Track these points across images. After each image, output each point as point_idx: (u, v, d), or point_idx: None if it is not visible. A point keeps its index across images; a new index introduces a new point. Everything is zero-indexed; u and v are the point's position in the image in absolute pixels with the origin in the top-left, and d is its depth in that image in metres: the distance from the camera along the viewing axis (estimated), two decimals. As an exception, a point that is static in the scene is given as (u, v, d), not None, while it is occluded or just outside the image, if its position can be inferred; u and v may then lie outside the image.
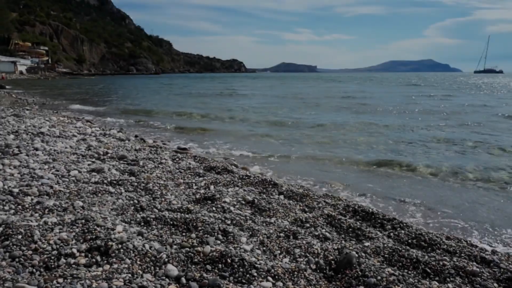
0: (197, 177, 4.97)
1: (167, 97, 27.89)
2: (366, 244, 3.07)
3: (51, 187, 3.90)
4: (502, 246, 3.99)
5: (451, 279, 2.64)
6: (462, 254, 3.04)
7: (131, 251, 2.61)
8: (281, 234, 3.18)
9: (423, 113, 16.89)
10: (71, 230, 2.88)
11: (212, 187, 4.44)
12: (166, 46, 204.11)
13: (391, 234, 3.41)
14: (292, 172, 6.93)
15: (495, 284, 2.61)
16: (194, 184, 4.54)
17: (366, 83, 57.50)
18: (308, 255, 2.83)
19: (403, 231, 3.43)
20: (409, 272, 2.72)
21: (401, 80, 75.28)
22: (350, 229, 3.44)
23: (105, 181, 4.32)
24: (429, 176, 6.87)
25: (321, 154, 8.58)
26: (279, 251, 2.90)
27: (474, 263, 2.88)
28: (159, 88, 40.69)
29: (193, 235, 3.02)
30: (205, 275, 2.46)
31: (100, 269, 2.44)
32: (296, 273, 2.56)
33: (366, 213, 3.92)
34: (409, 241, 3.26)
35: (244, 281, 2.45)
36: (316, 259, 2.78)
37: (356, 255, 2.75)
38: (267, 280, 2.45)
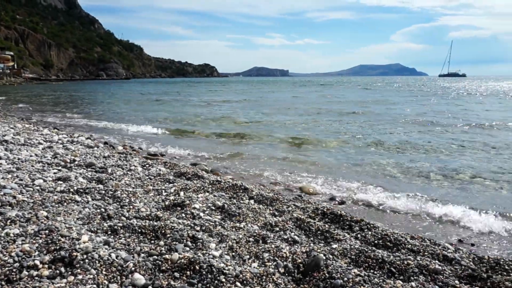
0: (167, 183, 4.93)
1: (141, 103, 27.51)
2: (334, 246, 3.13)
3: (14, 197, 3.78)
4: (465, 242, 4.15)
5: (415, 277, 2.72)
6: (426, 253, 3.14)
7: (97, 261, 2.56)
8: (251, 239, 3.19)
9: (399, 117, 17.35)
10: (34, 241, 2.80)
11: (182, 193, 4.42)
12: (137, 51, 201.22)
13: (359, 235, 3.49)
14: (263, 176, 6.97)
15: (457, 281, 2.71)
16: (163, 191, 4.50)
17: (339, 87, 58.55)
18: (277, 259, 2.86)
19: (370, 232, 3.51)
20: (375, 272, 2.78)
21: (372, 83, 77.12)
22: (319, 232, 3.49)
23: (71, 190, 4.22)
24: (398, 174, 7.06)
25: (293, 156, 8.68)
26: (248, 256, 2.91)
27: (437, 261, 2.98)
28: (129, 94, 40.10)
29: (162, 243, 2.99)
30: (172, 283, 2.44)
31: (64, 280, 2.39)
32: (264, 277, 2.58)
33: (334, 215, 3.99)
34: (376, 241, 3.34)
35: (212, 287, 2.45)
36: (285, 263, 2.81)
37: (324, 258, 2.80)
38: (236, 286, 2.46)
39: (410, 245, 3.24)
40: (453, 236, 4.46)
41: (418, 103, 25.67)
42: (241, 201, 4.26)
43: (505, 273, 2.92)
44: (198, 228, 3.31)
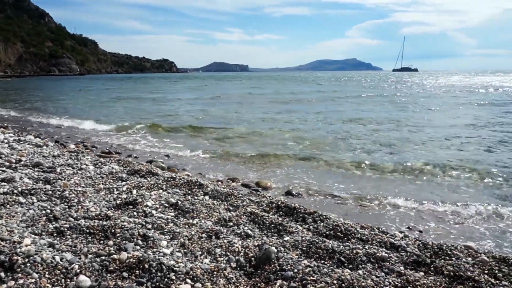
0: (120, 181, 4.80)
1: (98, 100, 26.59)
2: (286, 238, 3.16)
3: (-50, 201, 3.55)
4: (416, 230, 4.33)
5: (363, 265, 2.80)
6: (374, 241, 3.24)
7: (39, 265, 2.45)
8: (204, 235, 3.17)
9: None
10: (-29, 246, 2.64)
11: (134, 191, 4.31)
12: (91, 46, 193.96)
13: (311, 227, 3.55)
14: (220, 170, 6.95)
15: (402, 267, 2.82)
16: (115, 189, 4.37)
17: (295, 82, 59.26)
18: (229, 253, 2.85)
19: (322, 224, 3.58)
20: (326, 262, 2.84)
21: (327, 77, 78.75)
22: (272, 225, 3.52)
23: (15, 191, 4.00)
24: (351, 167, 7.25)
25: (250, 150, 8.70)
26: (200, 252, 2.88)
27: (384, 249, 3.09)
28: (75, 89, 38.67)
29: (111, 243, 2.91)
30: (120, 283, 2.38)
31: (4, 286, 2.27)
32: (215, 273, 2.57)
33: (288, 208, 4.04)
34: (327, 232, 3.41)
35: (162, 285, 2.40)
36: (237, 257, 2.81)
37: (275, 250, 2.82)
38: (186, 283, 2.43)
39: (359, 235, 3.34)
40: (403, 224, 4.64)
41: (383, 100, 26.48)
42: (196, 197, 4.22)
43: (447, 258, 3.07)
44: (149, 226, 3.24)
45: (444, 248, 3.19)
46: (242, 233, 3.26)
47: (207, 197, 4.30)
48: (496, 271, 2.86)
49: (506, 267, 2.94)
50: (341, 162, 7.63)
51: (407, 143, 9.72)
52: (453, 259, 3.04)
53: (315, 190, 5.86)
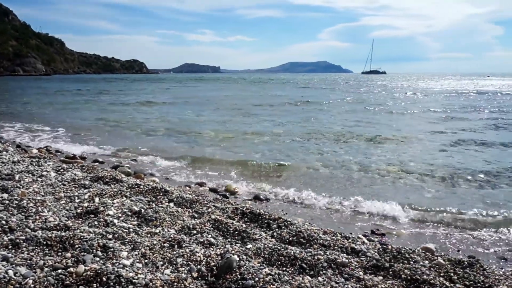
0: (82, 189, 4.67)
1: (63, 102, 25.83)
2: (249, 246, 3.17)
3: None
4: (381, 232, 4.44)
5: (324, 272, 2.84)
6: (336, 247, 3.30)
7: (-10, 281, 2.35)
8: (166, 244, 3.13)
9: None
10: None
11: (97, 199, 4.21)
12: (58, 45, 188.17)
13: (275, 233, 3.57)
14: (189, 175, 6.90)
15: (361, 272, 2.88)
16: (76, 197, 4.25)
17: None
18: (191, 263, 2.83)
19: (286, 230, 3.61)
20: (287, 269, 2.87)
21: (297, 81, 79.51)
22: (236, 232, 3.52)
23: (-32, 202, 3.83)
24: (322, 169, 7.35)
25: (220, 154, 8.69)
26: (161, 262, 2.85)
27: (345, 254, 3.15)
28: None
29: (69, 255, 2.83)
30: (76, 297, 2.32)
31: (-49, 305, 2.17)
32: (176, 283, 2.54)
33: (254, 214, 4.05)
34: (290, 238, 3.44)
35: (120, 298, 2.36)
36: (199, 267, 2.79)
37: (237, 259, 2.83)
38: (145, 295, 2.40)
39: (322, 240, 3.39)
40: (367, 228, 4.75)
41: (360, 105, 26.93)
42: (160, 205, 4.16)
43: (405, 261, 3.16)
44: (110, 236, 3.17)
45: (402, 252, 3.28)
46: (205, 242, 3.24)
47: (172, 204, 4.26)
48: (451, 274, 2.97)
49: (460, 270, 3.05)
50: (309, 165, 7.73)
51: (373, 146, 9.94)
52: (411, 262, 3.13)
53: (283, 195, 5.91)
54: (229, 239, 3.42)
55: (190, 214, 4.02)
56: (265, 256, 2.99)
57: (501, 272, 3.24)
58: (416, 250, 3.41)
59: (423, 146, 9.93)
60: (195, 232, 3.48)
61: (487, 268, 3.09)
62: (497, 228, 4.70)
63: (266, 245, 3.14)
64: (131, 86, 52.15)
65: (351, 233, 4.27)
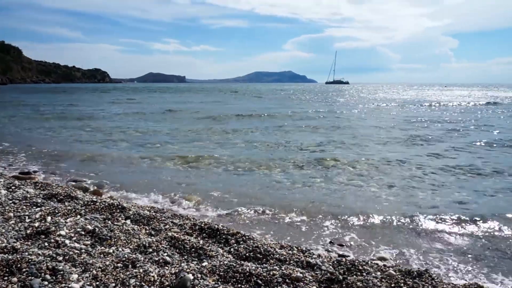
0: (34, 207, 4.50)
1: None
2: (205, 263, 3.16)
3: None
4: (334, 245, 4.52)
5: (279, 287, 2.87)
6: (292, 261, 3.34)
7: None
8: (119, 265, 3.07)
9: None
10: None
11: (49, 218, 4.06)
12: (15, 53, 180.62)
13: (232, 249, 3.57)
14: (151, 188, 6.80)
15: (315, 286, 2.93)
16: (27, 217, 4.09)
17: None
18: (144, 284, 2.78)
19: (243, 245, 3.62)
20: (242, 286, 2.87)
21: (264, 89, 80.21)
22: (193, 249, 3.50)
23: None
24: (284, 180, 7.41)
25: (183, 166, 8.61)
26: (114, 284, 2.78)
27: (300, 268, 3.19)
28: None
29: (15, 279, 2.71)
30: (20, 326, 2.23)
31: None
32: (127, 306, 2.49)
33: (212, 230, 4.04)
34: (247, 254, 3.46)
35: (68, 324, 2.29)
36: (152, 287, 2.75)
37: (191, 278, 2.81)
38: (94, 320, 2.33)
39: (278, 255, 3.42)
40: (326, 238, 4.83)
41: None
42: (116, 223, 4.07)
43: (359, 273, 3.25)
44: (60, 258, 3.07)
45: (356, 264, 3.37)
46: (161, 260, 3.20)
47: (128, 222, 4.18)
48: (402, 284, 3.07)
49: (410, 280, 3.17)
50: (273, 176, 7.79)
51: (336, 155, 10.14)
52: (364, 274, 3.21)
53: (246, 206, 5.93)
54: (185, 257, 3.39)
55: (147, 231, 3.95)
56: (220, 273, 2.99)
57: (449, 281, 3.39)
58: (369, 262, 3.51)
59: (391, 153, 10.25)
60: (150, 250, 3.43)
61: (436, 278, 3.21)
62: (452, 235, 4.91)
63: (222, 262, 3.13)
64: (94, 96, 50.83)
65: (308, 246, 4.35)
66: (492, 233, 5.01)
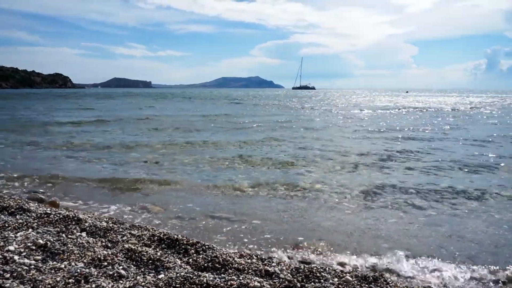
0: (-18, 222, 4.28)
1: None
2: (161, 276, 3.10)
3: None
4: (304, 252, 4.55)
5: (236, 298, 2.86)
6: (250, 270, 3.33)
7: None
8: (71, 280, 2.95)
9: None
10: None
11: (-3, 233, 3.87)
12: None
13: (190, 260, 3.53)
14: (110, 197, 6.63)
15: (273, 295, 2.93)
16: (-27, 233, 3.88)
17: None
18: (96, 299, 2.70)
19: (202, 255, 3.58)
20: (199, 298, 2.84)
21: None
22: (150, 261, 3.42)
23: None
24: (249, 189, 7.41)
25: (146, 175, 8.45)
26: (64, 301, 2.68)
27: (258, 277, 3.19)
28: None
29: (-44, 300, 2.57)
30: None
31: None
32: (77, 324, 2.40)
33: (171, 240, 3.98)
34: (206, 264, 3.42)
35: None
36: (105, 303, 2.67)
37: (146, 292, 2.75)
38: None
39: (237, 264, 3.40)
40: (288, 244, 4.85)
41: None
42: (70, 236, 3.92)
43: (316, 280, 3.28)
44: (8, 275, 2.92)
45: (314, 270, 3.40)
46: (115, 274, 3.10)
47: (84, 234, 4.04)
48: (358, 290, 3.13)
49: (366, 285, 3.23)
50: (235, 184, 7.77)
51: (300, 162, 10.25)
52: (322, 281, 3.25)
53: (208, 214, 5.88)
54: (142, 269, 3.31)
55: (103, 244, 3.83)
56: (177, 285, 2.94)
57: (405, 285, 3.48)
58: (328, 268, 3.55)
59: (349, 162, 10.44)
60: (105, 264, 3.33)
61: (390, 283, 3.29)
62: (411, 239, 5.04)
63: (179, 274, 3.08)
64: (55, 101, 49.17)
65: (271, 254, 4.36)
66: (450, 235, 5.18)
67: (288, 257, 4.41)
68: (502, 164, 9.84)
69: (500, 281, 3.92)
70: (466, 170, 9.25)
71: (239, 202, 6.62)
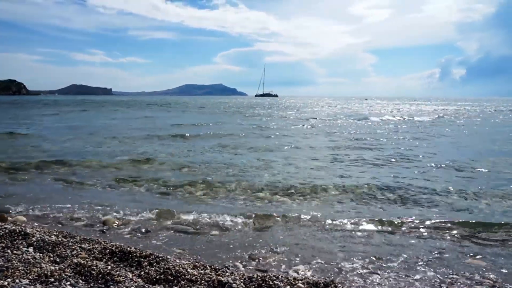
0: None
1: None
2: (110, 291, 3.04)
3: None
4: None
5: (186, 310, 2.84)
6: (203, 281, 3.32)
7: None
8: (13, 299, 2.84)
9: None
10: None
11: None
12: None
13: (142, 272, 3.47)
14: (62, 211, 6.41)
15: (223, 305, 2.94)
16: None
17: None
18: (40, 318, 2.60)
19: (154, 268, 3.53)
20: (149, 312, 2.80)
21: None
22: (100, 276, 3.34)
23: None
24: (204, 197, 7.37)
25: (105, 183, 8.25)
26: (5, 321, 2.57)
27: (210, 289, 3.19)
28: None
29: None
30: None
31: None
32: None
33: (124, 253, 3.90)
34: (158, 277, 3.37)
35: None
36: (48, 321, 2.58)
37: (93, 307, 2.68)
38: None
39: (189, 276, 3.38)
40: (245, 252, 4.85)
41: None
42: (15, 251, 3.77)
43: (269, 289, 3.31)
44: None
45: (267, 279, 3.43)
46: (62, 290, 3.01)
47: (31, 249, 3.89)
48: (309, 296, 3.19)
49: (317, 291, 3.30)
50: (194, 190, 7.72)
51: (254, 165, 10.31)
52: (275, 289, 3.28)
53: (167, 225, 5.81)
54: (91, 284, 3.23)
55: (51, 259, 3.70)
56: (126, 300, 2.89)
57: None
58: (280, 276, 3.59)
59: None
60: (52, 280, 3.22)
61: (339, 287, 3.38)
62: (367, 245, 5.17)
63: (129, 288, 3.03)
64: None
65: (227, 263, 4.35)
66: (409, 241, 5.34)
67: (244, 267, 4.41)
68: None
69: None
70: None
71: (197, 210, 6.57)
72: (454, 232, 5.59)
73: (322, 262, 4.59)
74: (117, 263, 3.74)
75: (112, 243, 4.22)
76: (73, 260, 3.58)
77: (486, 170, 10.25)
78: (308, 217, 6.35)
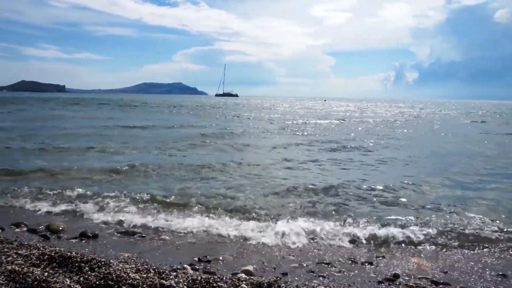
0: None
1: None
2: (45, 298, 2.91)
3: None
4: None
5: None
6: (145, 286, 3.25)
7: None
8: None
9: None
10: None
11: None
12: None
13: (82, 278, 3.36)
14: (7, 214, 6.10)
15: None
16: None
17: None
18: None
19: (94, 273, 3.42)
20: (85, 319, 2.71)
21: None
22: (36, 283, 3.20)
23: None
24: (159, 201, 7.21)
25: (51, 188, 7.90)
26: None
27: (149, 292, 3.13)
28: None
29: None
30: None
31: None
32: None
33: (63, 258, 3.75)
34: (97, 282, 3.27)
35: None
36: (-27, 333, 2.44)
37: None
38: None
39: (131, 280, 3.30)
40: (195, 255, 4.80)
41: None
42: None
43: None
44: None
45: (211, 281, 3.41)
46: (-8, 300, 2.86)
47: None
48: (250, 297, 3.20)
49: (261, 291, 3.32)
50: (149, 195, 7.54)
51: (215, 173, 10.26)
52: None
53: (116, 229, 5.66)
54: (26, 292, 3.09)
55: (-16, 267, 3.51)
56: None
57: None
58: (225, 277, 3.58)
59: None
60: (-18, 289, 3.05)
61: (283, 287, 3.42)
62: (318, 249, 5.26)
63: (66, 294, 2.92)
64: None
65: (174, 265, 4.29)
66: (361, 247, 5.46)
67: (193, 270, 4.34)
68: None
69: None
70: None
71: (147, 214, 6.43)
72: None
73: (275, 262, 4.62)
74: (56, 269, 3.60)
75: (51, 248, 4.05)
76: (7, 267, 3.41)
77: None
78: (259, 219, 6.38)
